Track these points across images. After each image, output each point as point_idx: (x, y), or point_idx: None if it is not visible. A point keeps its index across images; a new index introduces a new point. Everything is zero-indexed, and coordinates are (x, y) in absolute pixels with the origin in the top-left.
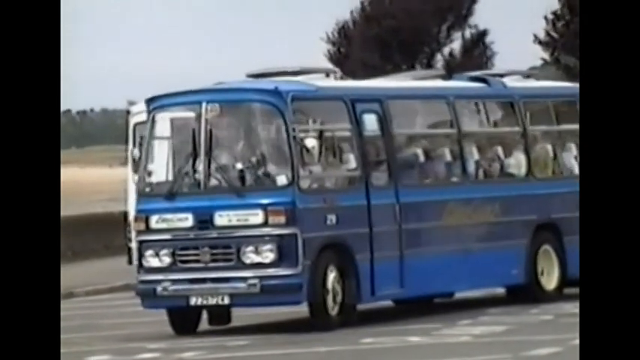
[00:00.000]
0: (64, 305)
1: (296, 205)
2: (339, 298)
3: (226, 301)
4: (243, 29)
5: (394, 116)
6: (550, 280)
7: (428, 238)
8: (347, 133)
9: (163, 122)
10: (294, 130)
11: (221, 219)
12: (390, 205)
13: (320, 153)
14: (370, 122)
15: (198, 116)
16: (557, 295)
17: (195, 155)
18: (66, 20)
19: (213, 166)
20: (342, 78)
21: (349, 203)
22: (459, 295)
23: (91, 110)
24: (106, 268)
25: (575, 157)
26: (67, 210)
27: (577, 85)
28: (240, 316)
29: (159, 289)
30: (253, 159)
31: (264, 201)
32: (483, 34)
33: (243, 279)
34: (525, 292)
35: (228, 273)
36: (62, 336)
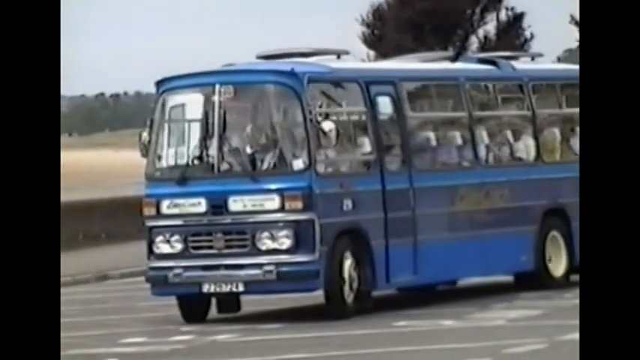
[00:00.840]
0: (99, 288)
1: (313, 190)
2: (355, 285)
3: (240, 288)
4: (279, 11)
5: (407, 99)
6: (558, 267)
7: (441, 224)
8: (362, 116)
9: (174, 105)
10: (310, 112)
11: (235, 204)
12: (405, 190)
13: (337, 136)
14: (384, 105)
15: (212, 98)
16: (565, 282)
17: (208, 139)
18: (97, 5)
19: (226, 149)
20: (377, 59)
21: (365, 188)
22: (462, 282)
23: (125, 94)
24: (140, 250)
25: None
26: (100, 193)
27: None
28: (249, 301)
29: (170, 275)
30: (268, 142)
31: (281, 186)
32: (519, 16)
33: (259, 265)
34: (534, 279)
35: (242, 260)
36: (98, 318)
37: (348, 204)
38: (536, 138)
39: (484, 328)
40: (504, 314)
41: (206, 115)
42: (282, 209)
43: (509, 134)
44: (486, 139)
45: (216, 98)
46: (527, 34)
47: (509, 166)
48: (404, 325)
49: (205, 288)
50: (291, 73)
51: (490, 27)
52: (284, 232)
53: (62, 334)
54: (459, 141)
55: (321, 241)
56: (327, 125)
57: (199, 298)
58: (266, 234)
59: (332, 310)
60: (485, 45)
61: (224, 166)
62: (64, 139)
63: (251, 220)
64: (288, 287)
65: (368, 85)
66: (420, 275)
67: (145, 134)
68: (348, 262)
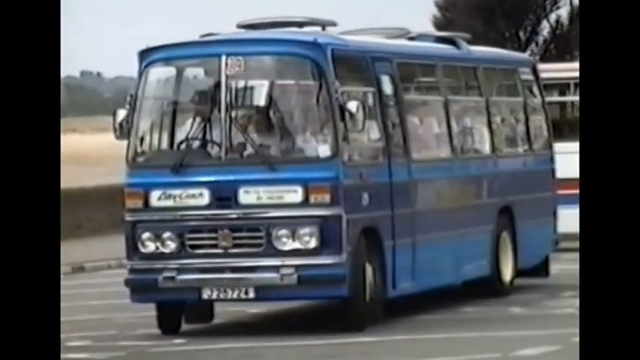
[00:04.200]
0: None
1: (340, 180)
2: (372, 291)
3: (251, 294)
4: None
5: (402, 79)
6: (507, 271)
7: (432, 223)
8: (370, 97)
9: (165, 79)
10: (336, 90)
11: (247, 196)
12: (406, 183)
13: (363, 118)
14: (386, 85)
15: (217, 72)
16: (511, 288)
17: (212, 119)
18: None
19: (236, 132)
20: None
21: (377, 180)
22: None
23: None
24: None
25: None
26: None
27: (515, 53)
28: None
29: (160, 279)
30: (287, 124)
31: (305, 175)
32: None
33: (275, 268)
34: (487, 285)
35: (254, 261)
36: None
37: (365, 198)
38: (490, 127)
39: (553, 316)
40: (573, 302)
41: (209, 91)
42: (305, 203)
43: (470, 123)
44: (456, 127)
45: (222, 71)
46: None
47: (475, 158)
48: (472, 311)
49: (206, 294)
50: (314, 44)
51: (563, 11)
52: (308, 230)
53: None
54: (445, 128)
55: (347, 241)
56: (354, 105)
57: (176, 306)
58: (285, 231)
59: (350, 320)
60: (556, 30)
61: (233, 152)
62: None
63: (267, 214)
64: (309, 293)
65: (374, 61)
66: (417, 281)
67: (121, 112)
68: (368, 266)
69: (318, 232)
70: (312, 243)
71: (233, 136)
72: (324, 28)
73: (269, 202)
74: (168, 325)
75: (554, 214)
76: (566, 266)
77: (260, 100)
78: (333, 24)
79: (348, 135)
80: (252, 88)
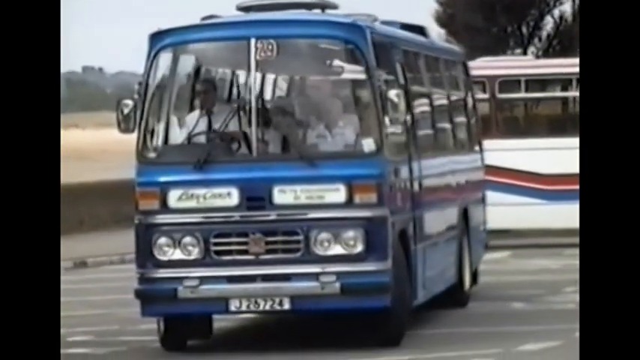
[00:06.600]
0: None
1: (385, 178)
2: (407, 301)
3: (286, 305)
4: None
5: (409, 69)
6: (467, 278)
7: (435, 226)
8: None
9: (184, 64)
10: (379, 78)
11: (283, 195)
12: (422, 181)
13: (407, 109)
14: (400, 74)
15: (246, 57)
16: (469, 297)
17: (240, 110)
18: None
19: (268, 124)
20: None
21: (405, 177)
22: None
23: None
24: None
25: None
26: None
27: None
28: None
29: (181, 289)
30: (326, 115)
31: (348, 172)
32: None
33: (314, 275)
34: (452, 294)
35: (291, 268)
36: None
37: (399, 198)
38: (451, 122)
39: (555, 312)
40: (575, 298)
41: (236, 78)
42: (349, 203)
43: (443, 117)
44: (440, 122)
45: (251, 56)
46: None
47: (451, 154)
48: (475, 306)
49: (234, 305)
50: (355, 26)
51: (566, 6)
52: (352, 233)
53: None
54: (430, 123)
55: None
56: (394, 94)
57: (184, 320)
58: (326, 235)
59: (390, 333)
60: (560, 25)
61: (266, 146)
62: None
63: (305, 216)
64: (351, 304)
65: (392, 49)
66: (427, 289)
67: (127, 103)
68: (406, 273)
69: (363, 236)
70: (358, 247)
71: (264, 129)
72: (323, 10)
73: (308, 202)
74: (175, 340)
75: (484, 215)
76: (568, 262)
77: (294, 88)
78: (335, 7)
79: (393, 127)
80: (285, 75)
